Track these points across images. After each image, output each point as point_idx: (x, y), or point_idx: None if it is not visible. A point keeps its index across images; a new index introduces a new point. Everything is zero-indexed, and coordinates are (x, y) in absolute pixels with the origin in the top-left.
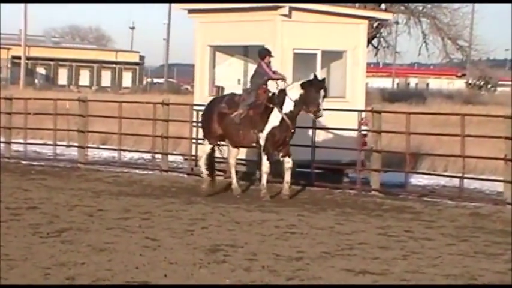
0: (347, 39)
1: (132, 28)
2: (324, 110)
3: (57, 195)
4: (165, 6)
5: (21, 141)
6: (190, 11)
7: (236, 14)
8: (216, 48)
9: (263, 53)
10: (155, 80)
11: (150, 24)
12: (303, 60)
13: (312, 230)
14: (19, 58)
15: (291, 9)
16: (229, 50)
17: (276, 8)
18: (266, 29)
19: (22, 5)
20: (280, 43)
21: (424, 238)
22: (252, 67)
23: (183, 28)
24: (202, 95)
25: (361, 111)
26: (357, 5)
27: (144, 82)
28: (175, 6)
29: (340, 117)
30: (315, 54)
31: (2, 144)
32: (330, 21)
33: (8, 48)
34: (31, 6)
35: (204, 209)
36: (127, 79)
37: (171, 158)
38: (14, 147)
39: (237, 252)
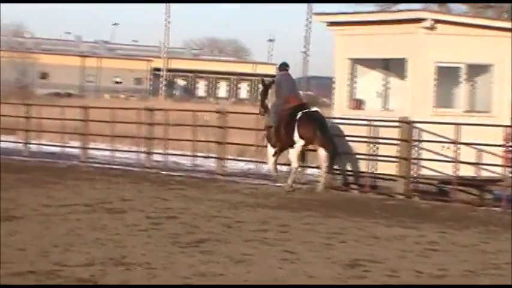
0: (493, 52)
1: (271, 40)
2: (469, 124)
3: (196, 205)
4: (303, 18)
5: (161, 151)
6: (330, 24)
7: (377, 27)
8: (356, 61)
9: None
10: None
11: (288, 37)
12: (446, 73)
13: (454, 248)
14: (160, 70)
15: (435, 21)
16: (370, 63)
17: (419, 21)
18: (408, 42)
19: (163, 17)
20: (423, 56)
21: None
22: (394, 81)
23: (322, 41)
24: (340, 108)
25: (508, 126)
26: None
27: None
28: (315, 18)
29: (485, 132)
30: (459, 68)
31: (143, 154)
32: (474, 34)
33: (149, 60)
34: (173, 19)
35: (342, 223)
36: None
37: (308, 170)
38: (155, 157)
39: (377, 268)
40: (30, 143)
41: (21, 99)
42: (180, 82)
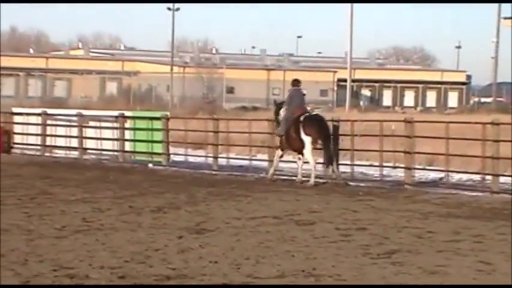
0: None
1: (458, 47)
2: None
3: (385, 216)
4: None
5: (348, 162)
6: None
7: None
8: None
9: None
10: (482, 100)
11: (477, 43)
12: None
13: None
14: (345, 81)
15: None
16: None
17: None
18: None
19: (347, 27)
20: None
21: None
22: None
23: None
24: None
25: None
26: None
27: (471, 102)
28: (504, 22)
29: None
30: None
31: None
32: None
33: (334, 71)
34: (357, 29)
35: None
36: (453, 99)
37: (502, 179)
38: (342, 168)
39: None
40: (219, 157)
41: (209, 114)
42: (366, 92)
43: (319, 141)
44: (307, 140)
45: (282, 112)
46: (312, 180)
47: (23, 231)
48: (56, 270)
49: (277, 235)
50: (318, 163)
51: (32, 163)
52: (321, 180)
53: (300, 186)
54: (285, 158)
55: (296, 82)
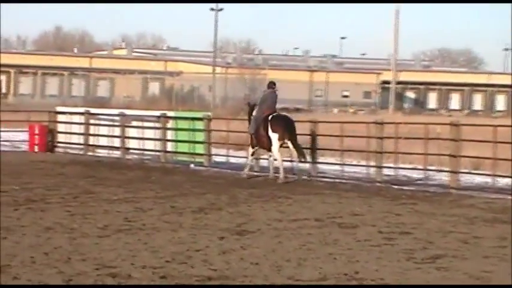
0: None
1: (506, 49)
2: None
3: (429, 220)
4: None
5: (392, 165)
6: None
7: None
8: None
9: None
10: None
11: None
12: None
13: None
14: (389, 83)
15: None
16: None
17: None
18: None
19: (391, 29)
20: None
21: None
22: None
23: None
24: None
25: None
26: None
27: None
28: None
29: None
30: None
31: (373, 168)
32: None
33: (378, 73)
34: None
35: None
36: (500, 102)
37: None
38: (385, 171)
39: None
40: (261, 158)
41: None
42: (410, 94)
43: (286, 139)
44: (274, 136)
45: (254, 112)
46: (281, 175)
47: (66, 229)
48: (98, 269)
49: (319, 238)
50: (292, 161)
51: (74, 162)
52: (294, 177)
53: (339, 188)
54: (326, 160)
55: (271, 84)
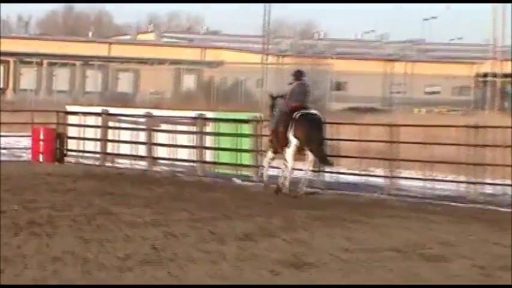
0: None
1: None
2: None
3: None
4: None
5: (494, 181)
6: None
7: None
8: None
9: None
10: None
11: None
12: None
13: None
14: (492, 75)
15: None
16: None
17: None
18: None
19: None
20: None
21: None
22: None
23: None
24: None
25: None
26: None
27: None
28: None
29: None
30: None
31: (469, 185)
32: None
33: (475, 64)
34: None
35: None
36: None
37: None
38: (485, 188)
39: None
40: (325, 172)
41: None
42: None
43: (306, 148)
44: (293, 141)
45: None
46: (287, 183)
47: (78, 260)
48: None
49: (400, 272)
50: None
51: (89, 175)
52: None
53: (425, 210)
54: (408, 174)
55: (298, 74)
